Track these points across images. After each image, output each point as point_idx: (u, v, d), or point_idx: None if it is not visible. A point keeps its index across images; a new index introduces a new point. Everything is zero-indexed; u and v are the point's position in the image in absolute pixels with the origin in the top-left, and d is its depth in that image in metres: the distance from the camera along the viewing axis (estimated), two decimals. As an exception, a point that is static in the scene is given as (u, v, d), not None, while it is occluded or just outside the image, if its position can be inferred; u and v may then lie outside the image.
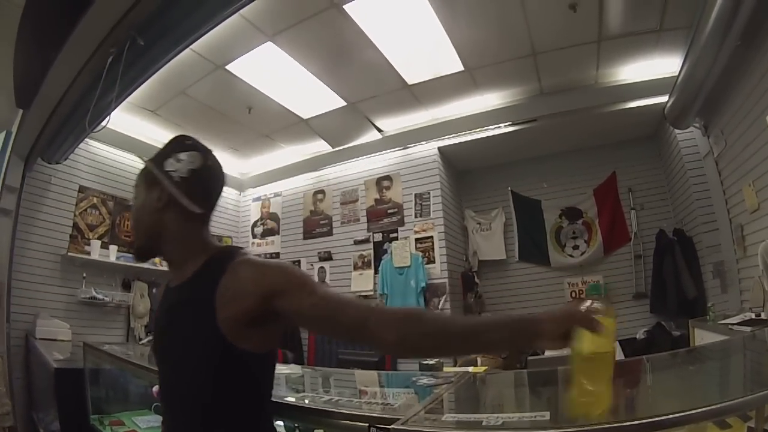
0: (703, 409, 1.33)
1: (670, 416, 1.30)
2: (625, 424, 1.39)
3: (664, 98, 5.84)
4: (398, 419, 1.59)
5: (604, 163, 7.47)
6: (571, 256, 7.52)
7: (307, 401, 2.25)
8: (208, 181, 1.70)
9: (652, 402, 2.14)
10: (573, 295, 7.26)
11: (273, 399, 1.71)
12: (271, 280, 1.47)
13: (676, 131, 6.19)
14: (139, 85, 4.65)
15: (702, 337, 4.58)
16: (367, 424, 1.67)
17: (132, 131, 7.31)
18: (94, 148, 7.03)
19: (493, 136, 7.06)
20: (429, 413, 1.76)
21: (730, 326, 3.96)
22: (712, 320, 4.65)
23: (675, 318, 6.28)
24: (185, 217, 1.63)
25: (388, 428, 1.55)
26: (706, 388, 2.20)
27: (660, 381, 2.56)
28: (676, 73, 5.31)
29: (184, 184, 1.62)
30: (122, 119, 6.69)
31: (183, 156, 1.65)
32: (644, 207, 7.20)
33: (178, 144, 1.71)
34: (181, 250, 1.66)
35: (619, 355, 4.22)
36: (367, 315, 1.43)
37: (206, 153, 1.70)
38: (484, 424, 1.51)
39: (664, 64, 5.87)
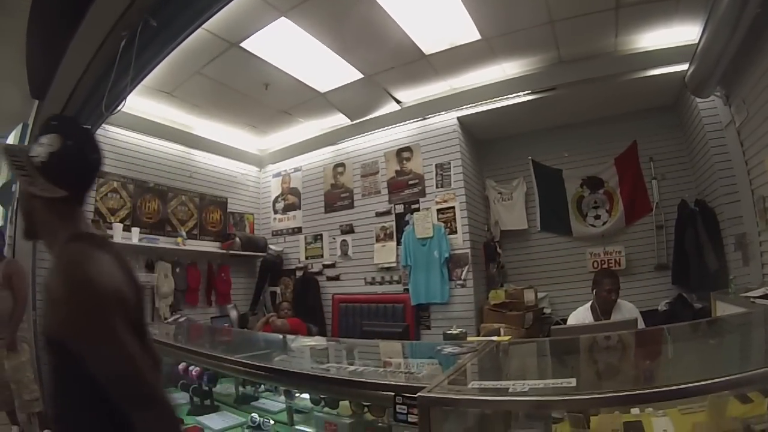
0: (723, 379, 1.33)
1: (690, 385, 1.30)
2: (646, 391, 1.39)
3: (684, 66, 5.70)
4: (424, 387, 1.60)
5: (625, 132, 7.34)
6: (592, 226, 7.45)
7: (332, 372, 2.27)
8: (68, 162, 1.67)
9: (672, 371, 2.14)
10: (595, 265, 7.19)
11: (298, 371, 1.72)
12: (56, 318, 1.46)
13: (697, 100, 6.04)
14: (154, 68, 4.63)
15: (723, 309, 4.52)
16: (393, 393, 1.68)
17: (149, 114, 7.42)
18: (112, 133, 7.08)
19: (513, 105, 6.97)
20: (454, 382, 1.77)
21: (751, 299, 3.92)
22: (733, 293, 4.60)
23: (697, 290, 6.23)
24: (51, 201, 1.63)
25: (414, 396, 1.56)
26: (726, 360, 2.19)
27: (680, 351, 2.55)
28: (696, 41, 5.19)
29: (44, 169, 1.62)
30: (139, 103, 6.76)
31: (43, 140, 1.66)
32: (666, 177, 7.07)
33: (43, 127, 1.71)
34: (48, 235, 1.69)
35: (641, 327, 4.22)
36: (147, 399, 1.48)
37: (67, 134, 1.69)
38: (510, 390, 1.51)
39: (684, 32, 5.75)
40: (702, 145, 6.25)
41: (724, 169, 5.76)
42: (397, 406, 1.65)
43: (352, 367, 2.27)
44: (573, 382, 1.57)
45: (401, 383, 1.79)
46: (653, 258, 7.03)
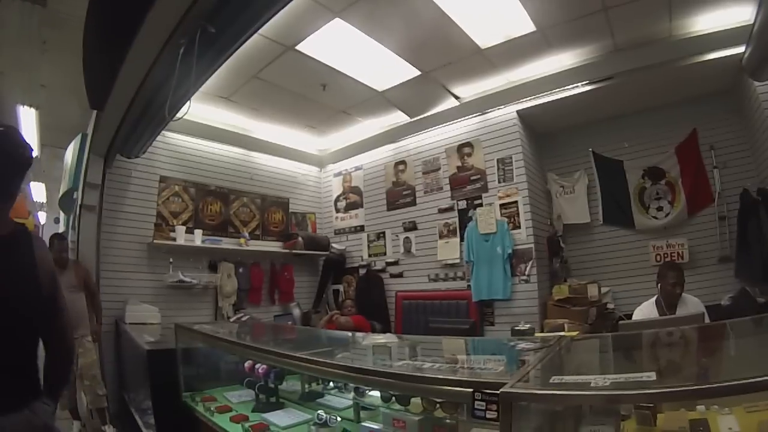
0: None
1: (758, 379, 1.26)
2: (731, 383, 1.35)
3: (741, 49, 5.52)
4: (504, 383, 1.59)
5: (685, 120, 7.10)
6: (655, 218, 7.26)
7: (409, 369, 2.27)
8: None
9: (754, 365, 2.08)
10: (657, 258, 7.00)
11: (374, 368, 1.72)
12: None
13: (756, 83, 5.80)
14: (213, 73, 4.68)
15: (788, 305, 4.39)
16: (471, 390, 1.67)
17: (208, 119, 7.63)
18: (171, 138, 7.34)
19: (571, 96, 6.88)
20: (534, 377, 1.75)
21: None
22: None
23: (760, 283, 5.95)
24: None
25: (497, 393, 1.55)
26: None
27: (743, 346, 2.50)
28: (752, 22, 5.01)
29: None
30: (197, 108, 6.88)
31: None
32: (727, 165, 6.78)
33: None
34: None
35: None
36: None
37: None
38: (592, 384, 1.49)
39: (739, 13, 5.54)
40: (762, 130, 5.98)
41: (786, 156, 5.50)
42: (476, 402, 1.64)
43: (428, 364, 2.26)
44: (653, 375, 1.54)
45: (481, 379, 1.77)
46: (716, 250, 6.77)
